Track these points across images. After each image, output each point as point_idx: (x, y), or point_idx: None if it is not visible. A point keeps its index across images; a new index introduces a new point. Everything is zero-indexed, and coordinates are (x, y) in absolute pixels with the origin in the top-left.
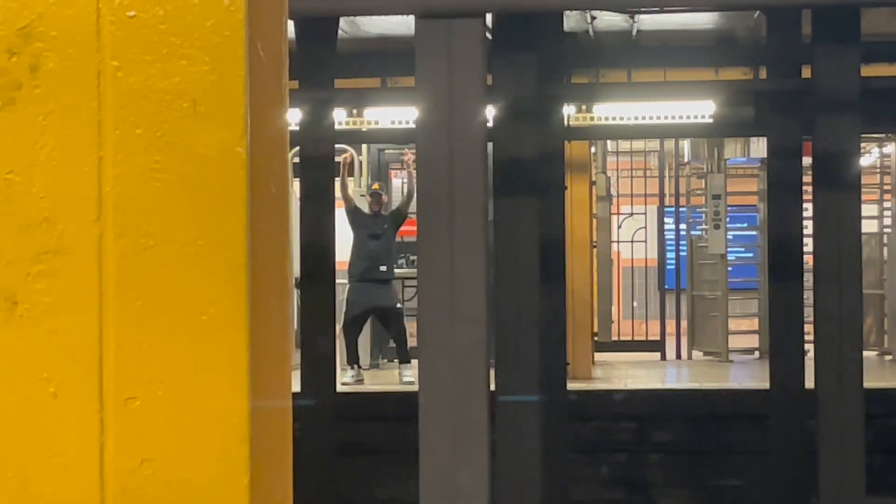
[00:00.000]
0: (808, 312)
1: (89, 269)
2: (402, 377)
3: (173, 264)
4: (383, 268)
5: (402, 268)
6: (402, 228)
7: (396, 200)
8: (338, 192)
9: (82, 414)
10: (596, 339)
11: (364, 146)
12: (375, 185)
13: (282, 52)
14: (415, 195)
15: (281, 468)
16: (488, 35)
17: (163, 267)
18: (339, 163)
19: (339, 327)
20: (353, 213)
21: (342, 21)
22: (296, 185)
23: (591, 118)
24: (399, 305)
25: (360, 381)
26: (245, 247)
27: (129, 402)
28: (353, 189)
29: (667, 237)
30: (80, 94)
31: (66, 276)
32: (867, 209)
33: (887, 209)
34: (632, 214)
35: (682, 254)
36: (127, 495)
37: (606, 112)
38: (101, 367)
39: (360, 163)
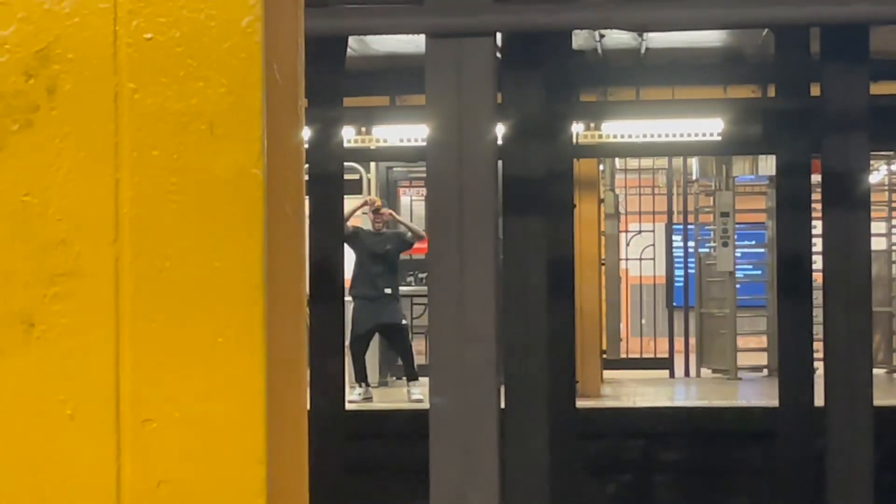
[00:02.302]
0: (817, 330)
1: (106, 290)
2: (411, 395)
3: (190, 286)
4: (388, 289)
5: (410, 285)
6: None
7: (404, 216)
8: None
9: (99, 436)
10: (604, 356)
11: (372, 164)
12: (377, 202)
13: (297, 73)
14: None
15: (297, 489)
16: (498, 54)
17: (179, 289)
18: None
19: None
20: (353, 235)
21: (350, 39)
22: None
23: (600, 136)
24: (403, 322)
25: (368, 399)
26: (261, 268)
27: (146, 424)
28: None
29: (675, 255)
30: (97, 117)
31: (83, 298)
32: (875, 227)
33: None
34: (640, 232)
35: (690, 271)
36: None
37: (615, 130)
38: (118, 389)
39: (369, 181)
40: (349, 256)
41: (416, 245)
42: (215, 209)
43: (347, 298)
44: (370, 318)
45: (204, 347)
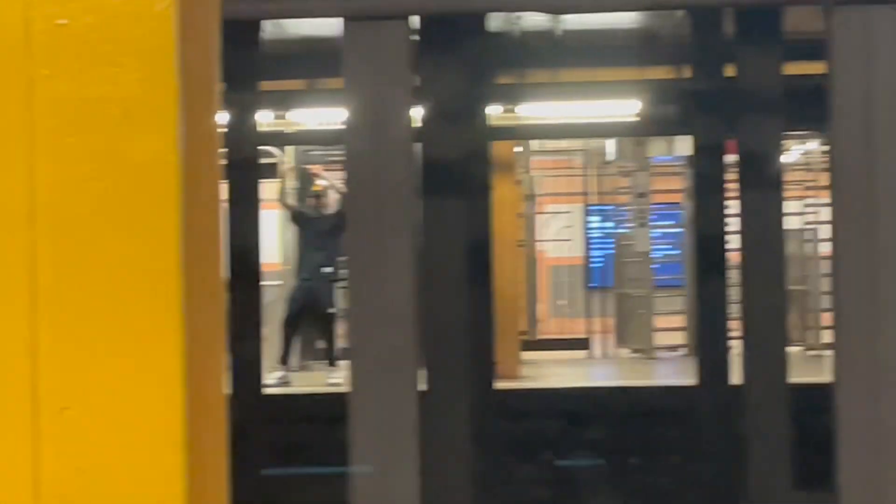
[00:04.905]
0: (734, 309)
1: (22, 277)
2: (329, 379)
3: (107, 272)
4: (329, 269)
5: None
6: None
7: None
8: (278, 199)
9: (17, 424)
10: (523, 337)
11: (289, 148)
12: (316, 186)
13: (213, 58)
14: None
15: (217, 475)
16: (415, 37)
17: (96, 275)
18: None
19: (266, 328)
20: (297, 217)
21: (267, 22)
22: None
23: (517, 118)
24: (332, 311)
25: (286, 383)
26: (178, 254)
27: (64, 412)
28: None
29: (592, 236)
30: (11, 103)
31: None
32: (789, 206)
33: (809, 206)
34: (557, 213)
35: (608, 252)
36: None
37: (532, 112)
38: (35, 376)
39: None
40: (269, 242)
41: None
42: (131, 195)
43: (280, 282)
44: (302, 298)
45: (122, 334)
